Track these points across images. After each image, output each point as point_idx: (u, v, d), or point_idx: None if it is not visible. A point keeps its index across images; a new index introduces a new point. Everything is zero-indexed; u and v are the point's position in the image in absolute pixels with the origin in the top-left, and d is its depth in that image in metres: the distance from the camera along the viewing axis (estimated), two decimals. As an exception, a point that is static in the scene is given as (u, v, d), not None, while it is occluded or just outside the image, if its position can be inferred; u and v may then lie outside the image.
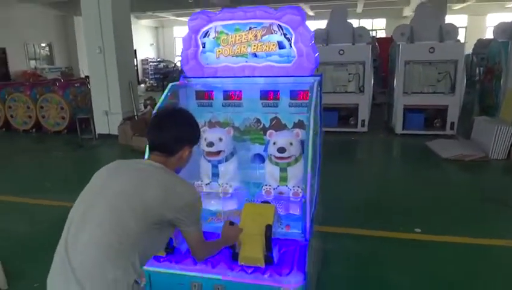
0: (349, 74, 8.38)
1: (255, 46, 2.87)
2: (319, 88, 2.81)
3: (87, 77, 10.01)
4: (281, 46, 2.83)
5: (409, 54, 7.81)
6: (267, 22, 2.79)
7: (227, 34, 2.90)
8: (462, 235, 3.75)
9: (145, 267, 2.23)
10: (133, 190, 1.41)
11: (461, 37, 18.83)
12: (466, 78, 10.59)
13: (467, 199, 4.82)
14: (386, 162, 6.92)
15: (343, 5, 17.88)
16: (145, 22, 21.95)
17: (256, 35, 2.84)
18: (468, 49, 13.16)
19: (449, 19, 14.67)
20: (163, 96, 2.84)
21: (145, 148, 2.23)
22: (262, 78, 2.94)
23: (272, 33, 2.81)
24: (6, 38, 14.74)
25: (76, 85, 9.89)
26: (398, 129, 8.03)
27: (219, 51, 2.95)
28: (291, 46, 2.81)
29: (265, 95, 3.07)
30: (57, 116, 9.04)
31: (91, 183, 1.49)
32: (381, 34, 20.92)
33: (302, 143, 3.01)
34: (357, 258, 3.45)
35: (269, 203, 2.38)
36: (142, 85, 19.53)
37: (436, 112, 8.02)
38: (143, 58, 22.29)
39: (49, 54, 17.59)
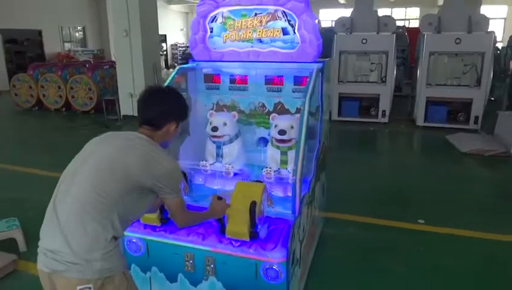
0: (372, 63, 8.27)
1: (260, 31, 2.94)
2: (320, 74, 2.86)
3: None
4: (285, 32, 2.89)
5: (434, 45, 7.62)
6: (272, 8, 2.85)
7: (233, 19, 2.98)
8: (468, 229, 3.73)
9: (143, 236, 2.43)
10: (116, 156, 1.56)
11: (499, 28, 18.10)
12: (500, 72, 10.23)
13: (481, 194, 4.75)
14: (401, 153, 6.84)
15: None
16: (176, 7, 22.21)
17: (261, 21, 2.92)
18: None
19: (486, 9, 14.09)
20: (170, 77, 2.99)
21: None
22: (267, 63, 3.01)
23: (276, 19, 2.87)
24: (43, 21, 15.37)
25: (104, 67, 10.24)
26: (420, 121, 7.91)
27: (226, 36, 3.05)
28: (295, 33, 2.86)
29: (269, 80, 3.15)
30: (85, 97, 9.43)
31: (83, 149, 1.65)
32: (415, 24, 20.29)
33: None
34: (357, 244, 3.52)
35: (261, 182, 2.47)
36: (171, 70, 19.87)
37: (461, 106, 7.81)
38: (172, 43, 22.61)
39: (82, 36, 18.18)
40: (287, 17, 2.84)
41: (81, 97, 9.48)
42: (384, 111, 8.26)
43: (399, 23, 19.14)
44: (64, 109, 9.82)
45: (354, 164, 5.87)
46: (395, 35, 8.13)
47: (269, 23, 2.90)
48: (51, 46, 16.01)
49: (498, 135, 6.66)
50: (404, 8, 21.83)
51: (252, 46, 3.00)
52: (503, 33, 18.03)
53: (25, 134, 8.39)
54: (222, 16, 3.00)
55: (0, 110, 10.73)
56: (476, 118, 7.55)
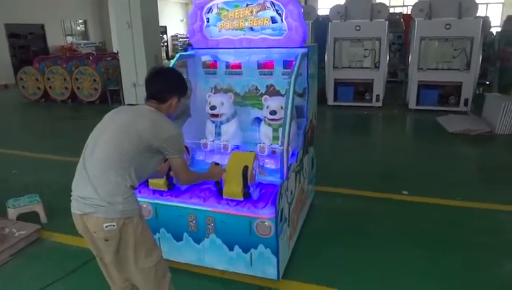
0: (365, 49, 8.56)
1: (251, 20, 3.27)
2: (305, 58, 3.19)
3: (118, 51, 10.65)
4: (273, 20, 3.21)
5: (425, 30, 7.91)
6: (261, -1, 3.18)
7: (227, 10, 3.31)
8: (447, 198, 4.07)
9: (152, 201, 2.80)
10: (130, 122, 1.92)
11: (497, 13, 18.18)
12: (494, 57, 10.42)
13: (463, 168, 5.11)
14: (391, 134, 7.19)
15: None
16: (175, -1, 22.39)
17: (252, 11, 3.24)
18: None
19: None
20: (171, 63, 3.34)
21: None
22: (258, 49, 3.35)
23: (265, 9, 3.20)
24: (45, 15, 15.66)
25: (108, 59, 10.58)
26: (412, 105, 8.23)
27: (221, 25, 3.38)
28: (282, 21, 3.19)
29: (261, 64, 3.50)
30: (90, 88, 9.78)
31: (103, 120, 2.02)
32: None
33: (295, 108, 3.44)
34: (344, 212, 3.88)
35: (254, 152, 2.82)
36: (172, 60, 20.08)
37: (452, 89, 8.13)
38: (173, 34, 22.82)
39: (84, 30, 18.47)
40: (275, 7, 3.16)
41: (86, 88, 9.83)
42: (378, 95, 8.58)
43: (398, 10, 19.37)
44: (70, 100, 10.19)
45: (346, 145, 6.24)
46: (387, 22, 8.39)
47: (259, 13, 3.22)
48: (54, 40, 16.32)
49: (485, 116, 6.97)
50: (404, -6, 21.92)
51: (244, 34, 3.33)
52: (501, 18, 18.13)
53: (34, 124, 8.79)
54: (217, 7, 3.33)
55: (8, 102, 11.13)
56: (466, 100, 7.87)
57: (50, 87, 10.22)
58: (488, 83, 10.98)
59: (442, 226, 3.59)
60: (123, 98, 9.12)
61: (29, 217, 3.63)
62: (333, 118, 8.42)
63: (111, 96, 9.41)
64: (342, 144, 6.36)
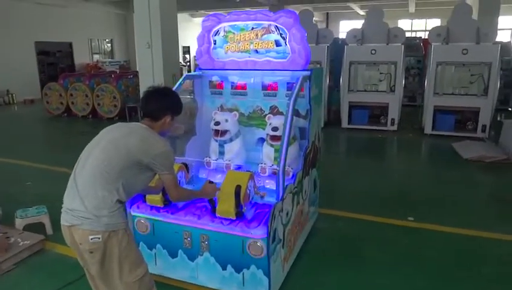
0: (381, 73, 8.56)
1: (256, 43, 3.35)
2: (307, 81, 3.24)
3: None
4: (277, 44, 3.28)
5: (441, 55, 7.85)
6: (266, 23, 3.26)
7: (234, 33, 3.40)
8: (455, 226, 3.96)
9: (149, 216, 2.85)
10: (121, 138, 1.99)
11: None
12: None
13: (473, 196, 4.97)
14: (404, 159, 7.09)
15: (393, 4, 17.77)
16: (199, 20, 22.95)
17: (257, 34, 3.33)
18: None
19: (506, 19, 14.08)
20: (177, 83, 3.44)
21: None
22: (263, 71, 3.41)
23: (270, 33, 3.28)
24: (73, 34, 16.35)
25: (129, 77, 10.91)
26: (428, 129, 8.11)
27: (227, 47, 3.47)
28: (286, 44, 3.26)
29: (265, 86, 3.56)
30: (110, 104, 10.07)
31: (97, 135, 2.10)
32: (434, 35, 20.25)
33: (298, 129, 3.48)
34: (347, 237, 3.82)
35: (250, 172, 2.84)
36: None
37: (469, 114, 7.99)
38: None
39: (110, 48, 19.14)
40: (279, 30, 3.24)
41: (107, 105, 10.13)
42: (393, 119, 8.50)
43: (419, 34, 19.36)
44: (90, 115, 10.49)
45: (356, 168, 6.18)
46: (403, 46, 8.39)
47: (264, 36, 3.30)
48: (81, 58, 16.98)
49: (503, 143, 6.80)
50: (425, 20, 21.95)
51: (249, 56, 3.41)
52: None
53: (53, 138, 9.10)
54: (224, 30, 3.43)
55: (32, 117, 11.54)
56: (484, 126, 7.71)
57: (72, 102, 10.57)
58: (510, 109, 10.77)
59: (448, 256, 3.48)
60: (141, 115, 9.33)
61: (36, 227, 3.73)
62: (346, 140, 8.37)
63: (129, 113, 9.66)
64: (352, 167, 6.31)
